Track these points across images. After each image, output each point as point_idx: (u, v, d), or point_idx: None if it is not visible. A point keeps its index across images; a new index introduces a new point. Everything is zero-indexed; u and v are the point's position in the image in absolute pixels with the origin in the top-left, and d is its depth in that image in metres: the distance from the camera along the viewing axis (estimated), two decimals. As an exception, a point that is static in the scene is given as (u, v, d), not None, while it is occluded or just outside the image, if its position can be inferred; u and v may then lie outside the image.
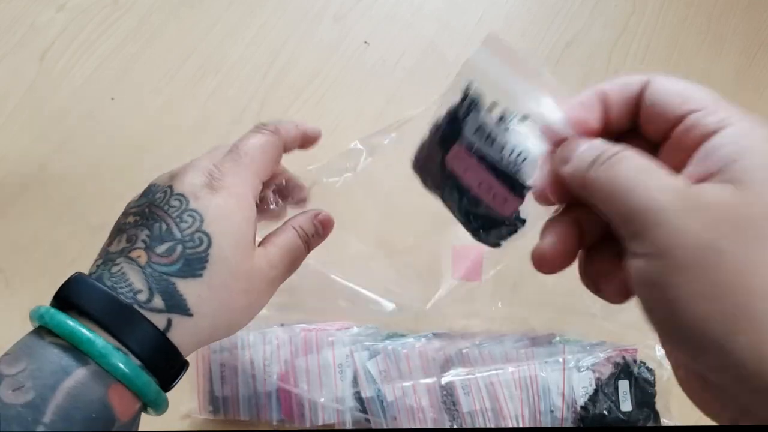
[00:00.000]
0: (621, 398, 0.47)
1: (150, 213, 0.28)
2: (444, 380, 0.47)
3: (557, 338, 0.50)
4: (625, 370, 0.48)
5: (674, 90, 0.23)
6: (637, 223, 0.20)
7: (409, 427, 0.45)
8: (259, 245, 0.31)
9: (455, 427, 0.46)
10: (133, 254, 0.27)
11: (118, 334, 0.26)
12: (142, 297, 0.26)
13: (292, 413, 0.47)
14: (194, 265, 0.27)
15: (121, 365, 0.25)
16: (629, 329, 0.51)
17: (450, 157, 0.27)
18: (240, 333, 0.48)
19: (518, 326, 0.51)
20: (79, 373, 0.24)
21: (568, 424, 0.47)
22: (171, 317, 0.27)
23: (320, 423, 0.46)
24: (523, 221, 0.27)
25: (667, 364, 0.49)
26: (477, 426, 0.46)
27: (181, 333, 0.27)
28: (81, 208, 0.56)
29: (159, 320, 0.27)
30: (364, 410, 0.46)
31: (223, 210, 0.28)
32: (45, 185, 0.57)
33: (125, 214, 0.30)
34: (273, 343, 0.48)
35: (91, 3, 0.64)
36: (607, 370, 0.48)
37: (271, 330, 0.49)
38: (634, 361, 0.49)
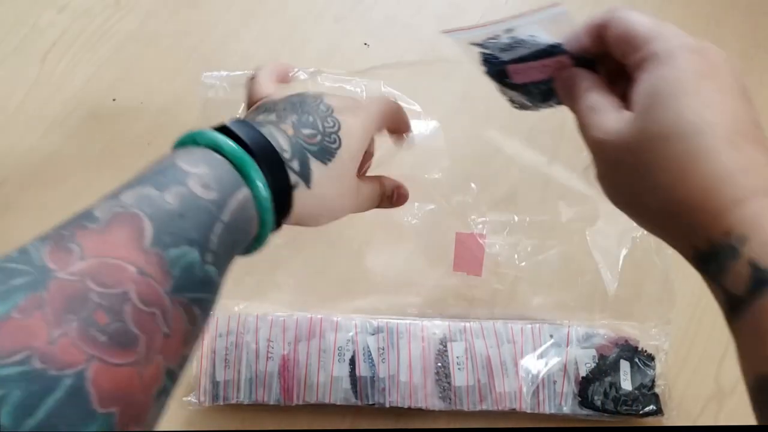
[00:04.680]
0: (622, 377, 0.48)
1: (300, 107, 0.34)
2: (440, 353, 0.49)
3: (559, 322, 0.51)
4: (626, 349, 0.49)
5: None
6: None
7: (397, 403, 0.47)
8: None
9: (444, 402, 0.48)
10: (282, 126, 0.33)
11: (266, 172, 0.30)
12: (286, 155, 0.31)
13: (290, 394, 0.48)
14: (325, 154, 0.33)
15: (265, 198, 0.29)
16: (632, 330, 0.51)
17: (510, 73, 0.35)
18: (248, 318, 0.50)
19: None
20: (245, 191, 0.29)
21: (569, 396, 0.48)
22: (298, 181, 0.32)
23: (314, 401, 0.47)
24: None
25: (664, 355, 0.50)
26: (466, 401, 0.48)
27: (297, 197, 0.32)
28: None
29: (291, 178, 0.32)
30: (355, 390, 0.48)
31: (354, 129, 0.35)
32: (45, 186, 0.57)
33: (272, 102, 0.35)
34: (279, 325, 0.49)
35: (92, 4, 0.65)
36: (610, 350, 0.49)
37: (278, 315, 0.50)
38: (636, 348, 0.50)
